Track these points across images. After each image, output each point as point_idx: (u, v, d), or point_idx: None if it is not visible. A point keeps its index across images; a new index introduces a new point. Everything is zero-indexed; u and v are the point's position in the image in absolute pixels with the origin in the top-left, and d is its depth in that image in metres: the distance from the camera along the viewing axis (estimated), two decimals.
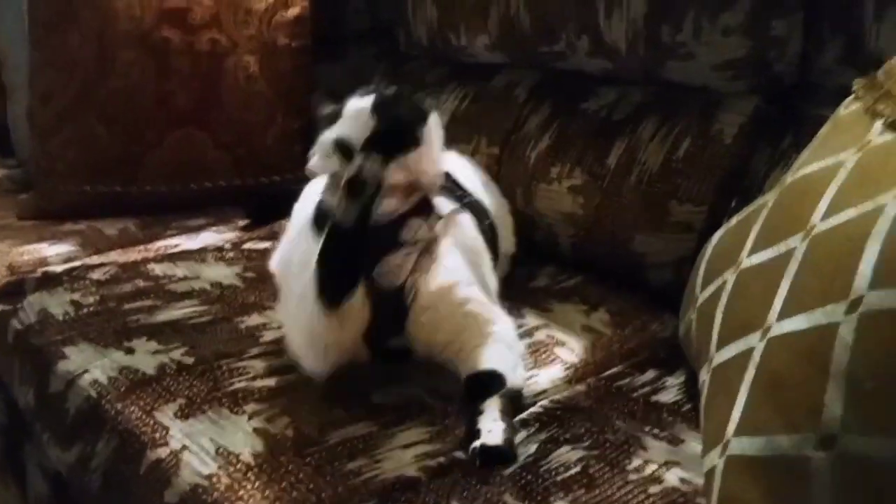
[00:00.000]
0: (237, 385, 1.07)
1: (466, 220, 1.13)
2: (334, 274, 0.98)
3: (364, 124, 1.03)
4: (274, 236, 1.45)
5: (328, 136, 1.07)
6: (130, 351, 1.17)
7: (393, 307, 1.03)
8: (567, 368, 1.12)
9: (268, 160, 1.76)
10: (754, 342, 0.79)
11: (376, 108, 1.04)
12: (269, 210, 1.62)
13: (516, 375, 1.03)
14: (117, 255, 1.50)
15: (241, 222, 1.66)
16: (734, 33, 1.23)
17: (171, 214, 1.69)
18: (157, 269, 1.42)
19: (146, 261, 1.46)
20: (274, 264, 1.22)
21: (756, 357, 0.77)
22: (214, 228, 1.62)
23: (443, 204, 1.11)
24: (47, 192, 1.71)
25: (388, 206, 1.01)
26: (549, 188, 1.42)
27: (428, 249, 1.04)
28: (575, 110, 1.46)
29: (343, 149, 1.03)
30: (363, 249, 0.98)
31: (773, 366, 0.75)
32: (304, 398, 1.04)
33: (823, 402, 0.68)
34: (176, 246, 1.53)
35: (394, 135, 1.00)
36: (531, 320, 1.23)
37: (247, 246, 1.52)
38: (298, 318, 1.04)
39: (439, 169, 1.10)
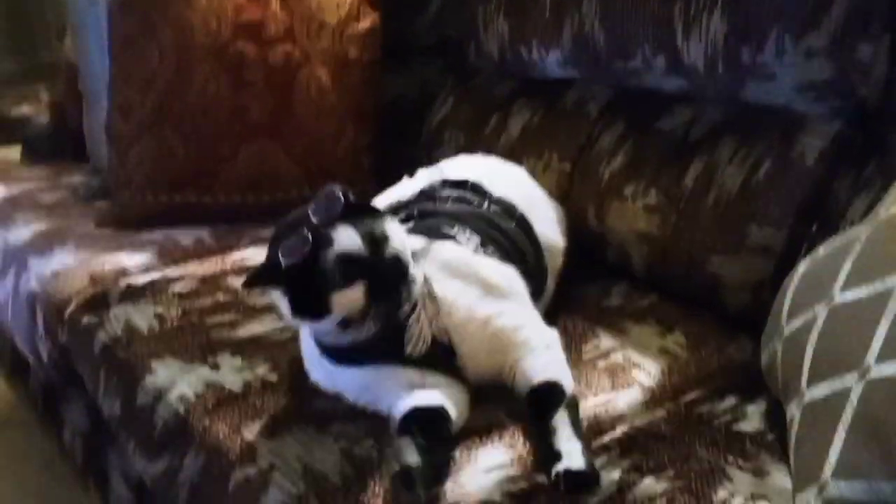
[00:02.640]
0: (321, 405, 1.09)
1: (441, 245, 1.14)
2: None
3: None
4: None
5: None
6: (216, 367, 1.20)
7: (444, 358, 1.06)
8: (645, 392, 1.13)
9: (338, 172, 1.77)
10: (851, 382, 0.79)
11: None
12: None
13: (567, 377, 1.05)
14: (195, 268, 1.53)
15: None
16: (818, 56, 1.22)
17: (244, 225, 1.72)
18: (236, 282, 1.45)
19: (224, 273, 1.49)
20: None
21: (853, 399, 0.77)
22: None
23: (413, 242, 1.10)
24: (125, 201, 1.75)
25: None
26: (622, 206, 1.42)
27: (424, 296, 1.05)
28: (649, 129, 1.45)
29: None
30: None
31: (874, 410, 0.75)
32: (387, 419, 1.05)
33: None
34: (252, 258, 1.56)
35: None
36: (606, 342, 1.23)
37: None
38: None
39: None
